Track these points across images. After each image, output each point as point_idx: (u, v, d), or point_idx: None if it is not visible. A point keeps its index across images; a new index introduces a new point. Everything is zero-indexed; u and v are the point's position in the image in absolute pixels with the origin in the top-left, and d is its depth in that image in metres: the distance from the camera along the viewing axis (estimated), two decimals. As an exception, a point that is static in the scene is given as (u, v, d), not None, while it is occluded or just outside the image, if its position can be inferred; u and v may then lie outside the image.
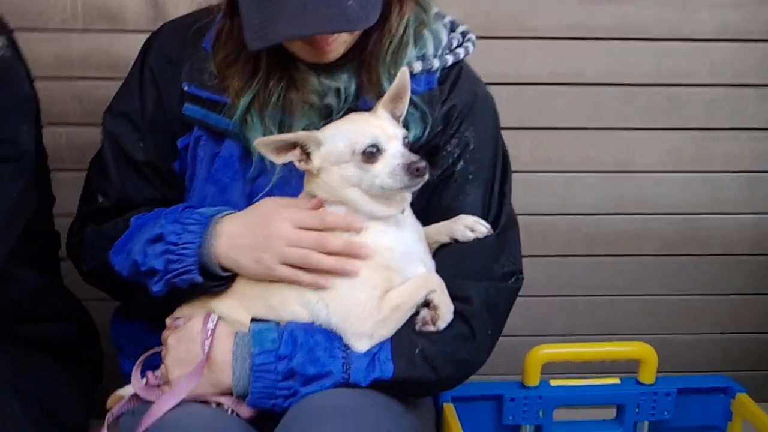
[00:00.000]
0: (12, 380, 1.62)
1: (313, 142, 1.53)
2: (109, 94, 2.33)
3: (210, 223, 1.56)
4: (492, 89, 1.79)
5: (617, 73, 2.47)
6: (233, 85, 1.62)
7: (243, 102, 1.61)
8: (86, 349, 2.00)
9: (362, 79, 1.61)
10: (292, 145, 1.53)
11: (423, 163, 1.47)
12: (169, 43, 1.74)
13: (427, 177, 1.49)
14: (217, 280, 1.57)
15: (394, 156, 1.49)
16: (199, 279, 1.54)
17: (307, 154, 1.55)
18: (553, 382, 2.01)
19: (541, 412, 1.98)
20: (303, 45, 1.55)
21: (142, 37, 2.31)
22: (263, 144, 1.52)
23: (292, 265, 1.52)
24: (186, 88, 1.66)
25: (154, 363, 1.66)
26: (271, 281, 1.55)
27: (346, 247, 1.52)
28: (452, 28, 1.76)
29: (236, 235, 1.55)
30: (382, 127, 1.52)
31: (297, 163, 1.56)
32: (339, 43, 1.56)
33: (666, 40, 2.45)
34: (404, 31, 1.61)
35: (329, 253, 1.52)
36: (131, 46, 2.31)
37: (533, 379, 1.96)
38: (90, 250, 1.71)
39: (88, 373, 1.99)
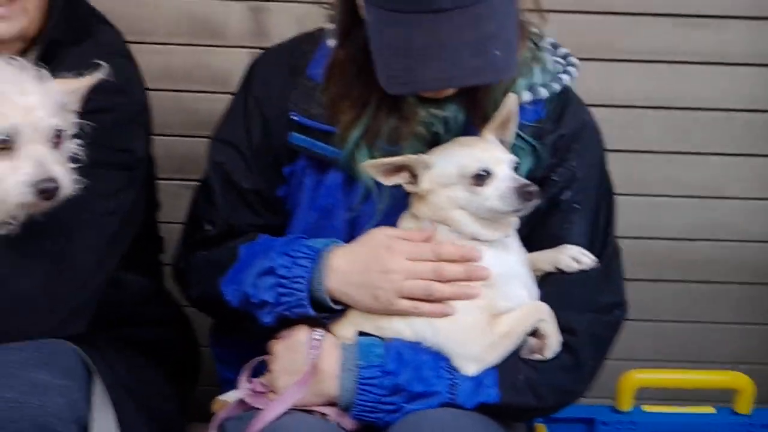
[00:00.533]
0: (127, 381, 1.68)
1: (422, 165, 1.58)
2: (209, 107, 2.46)
3: (319, 257, 1.59)
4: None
5: (711, 97, 2.46)
6: (344, 118, 1.64)
7: (354, 135, 1.63)
8: (186, 354, 2.06)
9: (470, 111, 1.63)
10: (401, 168, 1.58)
11: (534, 188, 1.50)
12: (273, 71, 1.76)
13: (538, 201, 1.51)
14: (328, 312, 1.60)
15: (504, 179, 1.53)
16: (311, 312, 1.58)
17: (414, 177, 1.59)
18: (646, 408, 2.00)
19: (633, 437, 1.99)
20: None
21: (243, 52, 2.43)
22: (373, 166, 1.57)
23: (410, 298, 1.55)
24: (294, 118, 1.68)
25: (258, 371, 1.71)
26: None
27: (465, 273, 1.55)
28: (554, 50, 1.76)
29: (349, 271, 1.58)
30: (491, 152, 1.56)
31: (405, 185, 1.60)
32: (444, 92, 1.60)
33: (763, 65, 2.43)
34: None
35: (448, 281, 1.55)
36: (232, 60, 2.44)
37: (626, 404, 1.96)
38: (198, 277, 1.75)
39: (186, 377, 2.05)
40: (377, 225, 1.66)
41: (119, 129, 1.67)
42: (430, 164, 1.57)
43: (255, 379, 1.70)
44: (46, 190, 1.41)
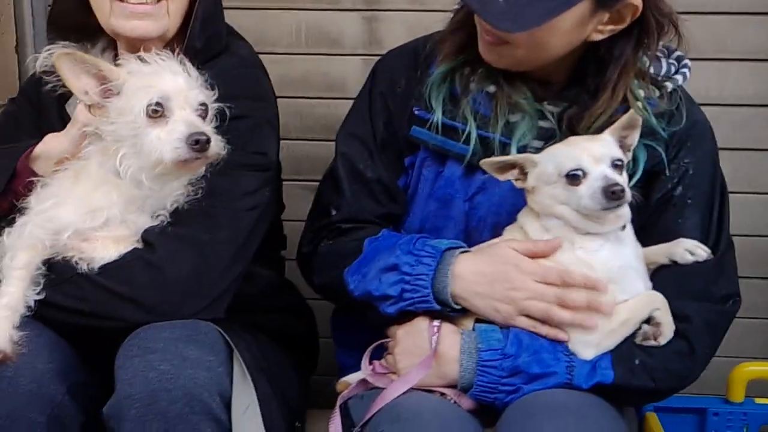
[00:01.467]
0: (261, 363, 1.81)
1: (530, 163, 1.67)
2: (325, 112, 2.61)
3: (442, 258, 1.68)
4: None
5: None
6: (444, 52, 1.78)
7: (442, 68, 1.76)
8: (307, 341, 2.19)
9: (582, 110, 1.71)
10: (512, 165, 1.68)
11: (619, 187, 1.57)
12: (397, 69, 1.89)
13: (626, 199, 1.58)
14: (451, 308, 1.69)
15: (596, 179, 1.60)
16: (437, 307, 1.68)
17: (524, 174, 1.69)
18: (759, 401, 2.01)
19: (745, 429, 2.00)
20: (478, 28, 1.70)
21: (357, 60, 2.56)
22: (488, 164, 1.68)
23: (529, 316, 1.63)
24: (416, 112, 1.80)
25: (374, 355, 1.82)
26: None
27: (587, 302, 1.61)
28: (668, 53, 1.82)
29: (474, 281, 1.66)
30: (591, 151, 1.63)
31: (515, 182, 1.70)
32: (502, 53, 1.69)
33: None
34: (609, 114, 1.70)
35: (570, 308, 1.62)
36: (347, 67, 2.58)
37: (738, 395, 1.98)
38: (324, 265, 1.87)
39: (307, 365, 2.18)
40: (492, 215, 1.77)
41: (256, 134, 1.82)
42: (536, 162, 1.66)
43: (375, 361, 1.81)
44: (197, 141, 1.58)
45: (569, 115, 1.73)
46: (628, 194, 1.59)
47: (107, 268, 1.65)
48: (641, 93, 1.72)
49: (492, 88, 1.75)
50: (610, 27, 1.65)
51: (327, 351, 2.20)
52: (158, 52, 1.69)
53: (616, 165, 1.62)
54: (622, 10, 1.63)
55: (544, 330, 1.63)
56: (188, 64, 1.69)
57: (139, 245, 1.69)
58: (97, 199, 1.68)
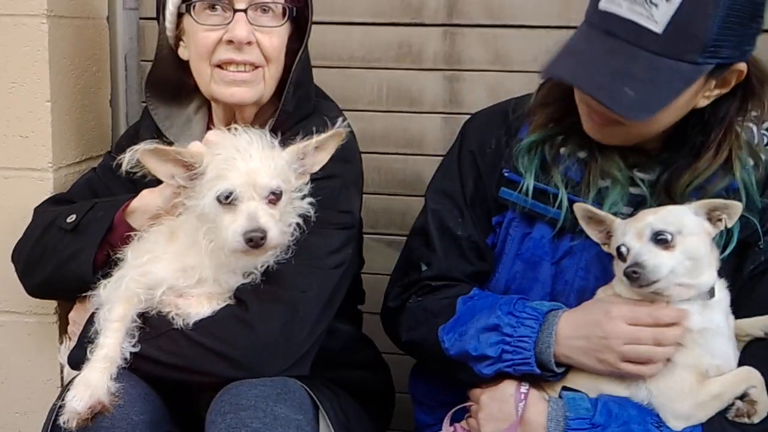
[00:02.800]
0: (343, 419, 1.84)
1: (612, 225, 1.70)
2: (404, 167, 2.65)
3: (545, 319, 1.70)
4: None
5: None
6: (536, 122, 1.81)
7: (533, 136, 1.79)
8: (384, 396, 2.21)
9: (682, 170, 1.72)
10: (600, 222, 1.71)
11: (631, 269, 1.60)
12: (488, 130, 1.92)
13: (646, 279, 1.59)
14: (550, 372, 1.70)
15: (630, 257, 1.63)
16: (537, 372, 1.69)
17: (609, 238, 1.70)
18: None
19: None
20: (585, 109, 1.71)
21: (437, 118, 2.61)
22: (581, 209, 1.72)
23: (632, 361, 1.63)
24: (506, 174, 1.84)
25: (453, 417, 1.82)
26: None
27: (680, 335, 1.62)
28: (758, 122, 1.80)
29: (572, 336, 1.68)
30: (636, 225, 1.64)
31: (603, 246, 1.72)
32: (614, 133, 1.70)
33: None
34: (710, 173, 1.70)
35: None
36: (426, 125, 2.63)
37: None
38: (413, 321, 1.89)
39: (382, 418, 2.20)
40: (580, 280, 1.78)
41: (344, 193, 1.88)
42: (615, 228, 1.68)
43: (456, 424, 1.82)
44: (251, 239, 1.61)
45: (666, 178, 1.73)
46: (651, 275, 1.58)
47: (201, 325, 1.70)
48: (745, 158, 1.72)
49: (583, 154, 1.77)
50: (716, 92, 1.66)
51: (403, 405, 2.22)
52: (246, 127, 1.73)
53: (659, 239, 1.61)
54: (728, 76, 1.64)
55: (649, 370, 1.62)
56: (271, 143, 1.72)
57: (232, 302, 1.74)
58: (190, 259, 1.74)
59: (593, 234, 1.72)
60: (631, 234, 1.64)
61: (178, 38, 1.97)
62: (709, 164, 1.69)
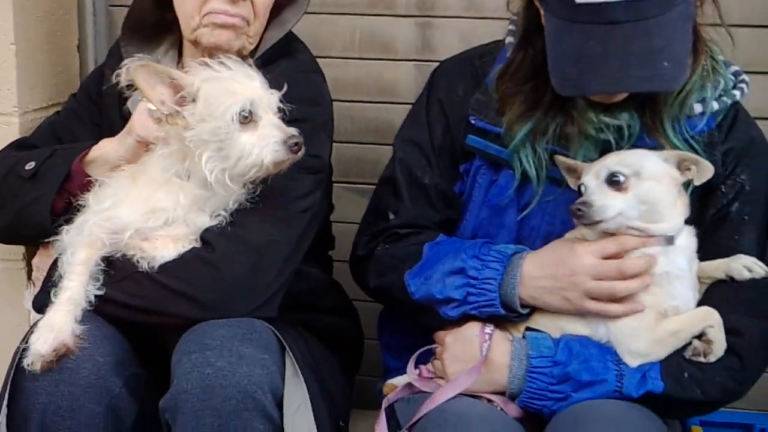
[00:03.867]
0: (310, 361, 1.85)
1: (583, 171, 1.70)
2: (376, 116, 2.64)
3: (509, 261, 1.71)
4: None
5: None
6: (512, 113, 1.77)
7: (522, 130, 1.76)
8: (353, 342, 2.22)
9: (646, 121, 1.72)
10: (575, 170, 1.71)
11: (576, 206, 1.63)
12: (455, 78, 1.92)
13: (587, 218, 1.62)
14: (515, 313, 1.72)
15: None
16: (502, 312, 1.71)
17: None
18: (809, 418, 2.01)
19: (792, 445, 1.99)
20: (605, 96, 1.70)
21: (409, 66, 2.59)
22: (561, 162, 1.73)
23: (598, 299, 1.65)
24: (473, 121, 1.83)
25: (420, 359, 1.85)
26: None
27: (647, 264, 1.63)
28: (726, 67, 1.81)
29: (539, 276, 1.69)
30: (596, 166, 1.66)
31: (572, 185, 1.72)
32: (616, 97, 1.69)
33: None
34: (694, 82, 1.71)
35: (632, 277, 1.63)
36: (399, 73, 2.61)
37: (787, 412, 1.97)
38: (381, 268, 1.90)
39: (351, 364, 2.22)
40: (545, 224, 1.79)
41: (313, 137, 1.85)
42: (581, 180, 1.68)
43: (423, 366, 1.84)
44: (296, 143, 1.66)
45: (645, 107, 1.72)
46: (595, 214, 1.60)
47: (166, 267, 1.70)
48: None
49: (561, 120, 1.76)
50: None
51: (372, 352, 2.23)
52: (224, 57, 1.74)
53: (613, 180, 1.62)
54: None
55: (616, 309, 1.64)
56: (256, 69, 1.74)
57: (198, 244, 1.74)
58: (160, 200, 1.73)
59: (572, 183, 1.73)
60: (591, 174, 1.65)
61: None
62: (691, 72, 1.69)
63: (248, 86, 1.69)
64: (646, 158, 1.66)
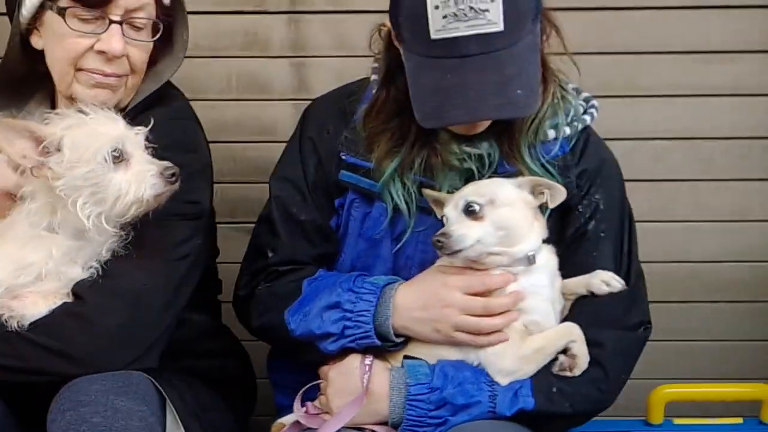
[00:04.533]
0: (195, 408, 1.82)
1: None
2: (258, 155, 2.66)
3: (382, 292, 1.76)
4: (609, 144, 1.95)
5: (730, 127, 2.60)
6: (381, 150, 1.83)
7: (390, 166, 1.81)
8: (244, 384, 2.21)
9: (504, 149, 1.80)
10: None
11: (436, 238, 1.69)
12: (325, 116, 1.96)
13: (449, 248, 1.68)
14: (391, 342, 1.76)
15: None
16: (378, 343, 1.74)
17: None
18: (676, 421, 2.10)
19: (666, 449, 2.08)
20: (466, 126, 1.76)
21: (288, 104, 2.63)
22: (429, 195, 1.80)
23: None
24: (343, 157, 1.88)
25: (308, 396, 1.87)
26: None
27: (511, 303, 1.71)
28: (577, 94, 1.92)
29: (412, 308, 1.74)
30: (454, 196, 1.74)
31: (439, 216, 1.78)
32: (485, 124, 1.77)
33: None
34: (546, 110, 1.80)
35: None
36: (277, 112, 2.64)
37: (657, 417, 2.07)
38: (261, 307, 1.91)
39: (244, 406, 2.20)
40: (419, 253, 1.84)
41: (188, 183, 1.84)
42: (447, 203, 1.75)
43: (309, 403, 1.86)
44: (173, 174, 1.70)
45: (503, 136, 1.79)
46: (455, 243, 1.66)
47: (37, 324, 1.66)
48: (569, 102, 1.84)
49: (425, 153, 1.81)
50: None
51: (267, 392, 2.23)
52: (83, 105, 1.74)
53: (469, 210, 1.69)
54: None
55: (483, 340, 1.70)
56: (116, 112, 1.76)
57: (69, 299, 1.71)
58: (29, 256, 1.70)
59: (439, 214, 1.78)
60: (450, 205, 1.71)
61: (33, 27, 1.89)
62: (542, 101, 1.78)
63: (112, 127, 1.70)
64: (500, 186, 1.73)
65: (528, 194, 1.74)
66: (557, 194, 1.74)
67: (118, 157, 1.67)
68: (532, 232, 1.74)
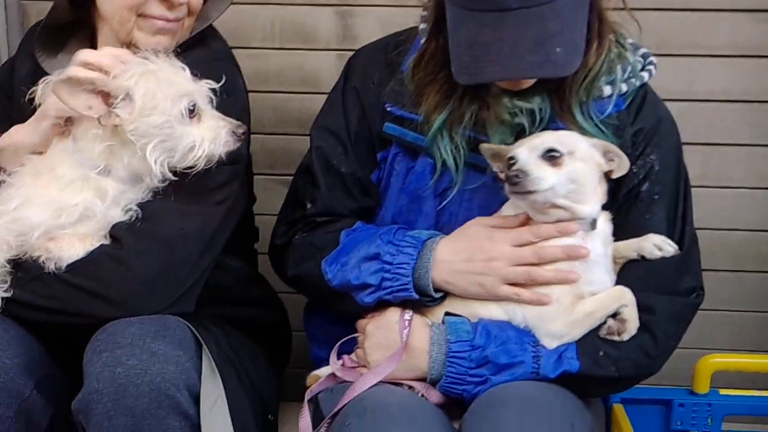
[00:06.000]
0: (230, 356, 1.82)
1: (506, 153, 1.69)
2: (300, 106, 2.62)
3: (423, 246, 1.72)
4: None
5: (790, 91, 2.48)
6: (429, 103, 1.77)
7: (438, 119, 1.76)
8: (279, 335, 2.21)
9: (554, 106, 1.73)
10: (497, 155, 1.72)
11: (514, 173, 1.61)
12: (371, 65, 1.90)
13: (525, 188, 1.60)
14: (428, 297, 1.72)
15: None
16: (415, 296, 1.70)
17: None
18: (723, 392, 2.05)
19: (709, 420, 2.04)
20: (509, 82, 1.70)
21: (332, 55, 2.58)
22: (486, 149, 1.72)
23: (513, 283, 1.66)
24: (388, 108, 1.82)
25: (345, 349, 1.84)
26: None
27: (565, 252, 1.65)
28: (635, 49, 1.83)
29: (453, 260, 1.70)
30: (531, 141, 1.66)
31: (499, 173, 1.72)
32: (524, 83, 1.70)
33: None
34: (600, 66, 1.72)
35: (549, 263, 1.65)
36: (321, 62, 2.59)
37: (703, 387, 2.02)
38: (298, 256, 1.88)
39: (279, 357, 2.20)
40: (464, 210, 1.79)
41: None
42: (511, 153, 1.68)
43: (345, 356, 1.83)
44: (243, 132, 1.74)
45: (554, 92, 1.72)
46: (530, 184, 1.59)
47: (75, 266, 1.65)
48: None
49: (475, 108, 1.75)
50: None
51: (302, 344, 2.21)
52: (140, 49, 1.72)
53: (550, 156, 1.63)
54: None
55: (527, 295, 1.65)
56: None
57: (107, 241, 1.69)
58: (72, 197, 1.68)
59: (496, 167, 1.73)
60: (524, 147, 1.64)
61: None
62: (596, 57, 1.71)
63: (182, 78, 1.69)
64: (580, 140, 1.67)
65: (600, 157, 1.68)
66: (622, 165, 1.68)
67: (193, 111, 1.67)
68: (596, 196, 1.68)
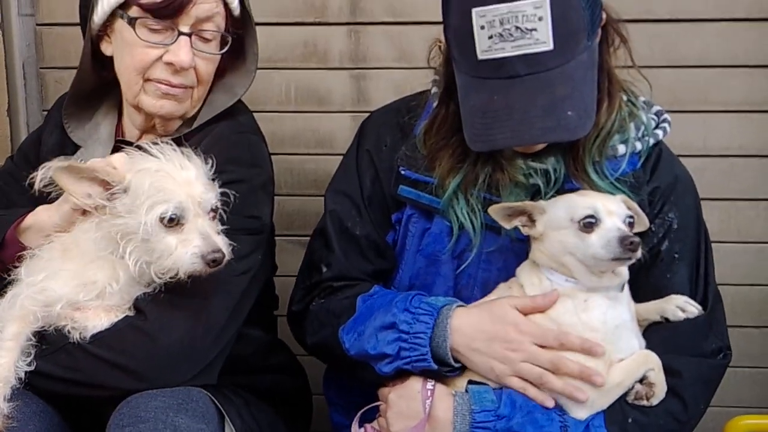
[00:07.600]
0: (252, 425, 1.80)
1: (538, 210, 1.69)
2: (315, 167, 2.63)
3: (439, 314, 1.69)
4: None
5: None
6: (443, 167, 1.78)
7: (453, 183, 1.76)
8: (300, 400, 2.18)
9: (569, 165, 1.74)
10: (521, 212, 1.70)
11: (637, 239, 1.57)
12: (384, 129, 1.92)
13: (639, 254, 1.59)
14: (448, 367, 1.69)
15: (611, 229, 1.60)
16: (434, 367, 1.68)
17: (532, 221, 1.70)
18: (754, 455, 2.01)
19: (741, 481, 1.99)
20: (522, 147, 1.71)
21: (346, 117, 2.60)
22: (496, 209, 1.70)
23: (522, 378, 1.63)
24: (402, 172, 1.83)
25: (366, 417, 1.81)
26: None
27: (580, 373, 1.60)
28: (648, 108, 1.85)
29: (472, 336, 1.67)
30: (605, 203, 1.65)
31: (522, 228, 1.71)
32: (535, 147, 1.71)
33: None
34: (612, 125, 1.73)
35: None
36: (336, 124, 2.61)
37: (734, 449, 1.98)
38: (316, 324, 1.87)
39: (300, 423, 2.16)
40: (482, 272, 1.78)
41: (251, 198, 1.83)
42: (545, 209, 1.68)
43: (368, 425, 1.80)
44: (214, 260, 1.59)
45: (570, 147, 1.73)
46: (640, 251, 1.59)
47: (99, 337, 1.65)
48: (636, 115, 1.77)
49: (489, 169, 1.76)
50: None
51: (322, 408, 2.19)
52: (159, 141, 1.70)
53: (630, 223, 1.64)
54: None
55: (533, 392, 1.63)
56: (194, 156, 1.69)
57: (131, 313, 1.69)
58: (93, 274, 1.68)
59: (512, 225, 1.71)
60: (602, 208, 1.63)
61: (104, 34, 1.91)
62: (607, 116, 1.72)
63: (181, 184, 1.62)
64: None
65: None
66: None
67: (173, 220, 1.60)
68: None
